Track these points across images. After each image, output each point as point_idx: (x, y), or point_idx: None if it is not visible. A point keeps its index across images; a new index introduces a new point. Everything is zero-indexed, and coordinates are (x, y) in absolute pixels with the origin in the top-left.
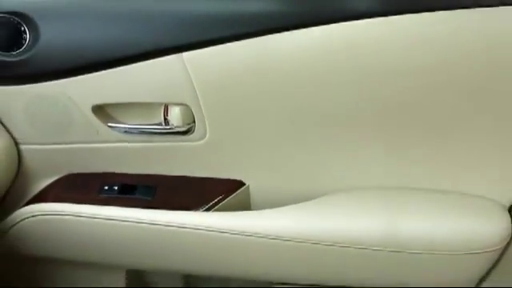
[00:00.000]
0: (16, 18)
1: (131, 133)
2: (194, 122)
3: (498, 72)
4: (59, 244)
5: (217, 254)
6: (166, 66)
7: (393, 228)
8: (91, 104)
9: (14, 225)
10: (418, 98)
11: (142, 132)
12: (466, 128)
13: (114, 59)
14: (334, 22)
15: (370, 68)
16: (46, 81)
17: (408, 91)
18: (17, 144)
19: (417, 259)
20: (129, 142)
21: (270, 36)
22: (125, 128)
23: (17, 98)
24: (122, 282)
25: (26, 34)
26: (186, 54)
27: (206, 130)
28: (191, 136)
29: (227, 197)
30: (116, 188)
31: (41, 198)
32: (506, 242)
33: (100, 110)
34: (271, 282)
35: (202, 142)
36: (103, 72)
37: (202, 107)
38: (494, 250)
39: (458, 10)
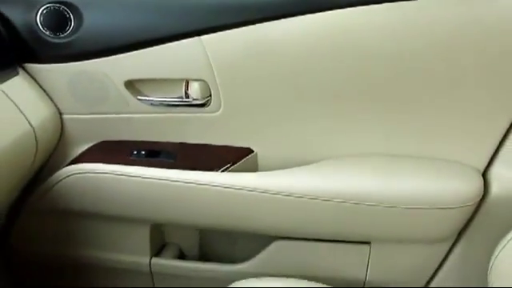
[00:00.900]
0: (63, 7)
1: (156, 105)
2: (211, 96)
3: (467, 50)
4: (95, 199)
5: (229, 208)
6: (188, 47)
7: (384, 186)
8: (124, 80)
9: (57, 183)
10: (400, 75)
11: (166, 104)
12: (445, 102)
13: (144, 41)
14: (324, 10)
15: (357, 50)
16: (86, 59)
17: (392, 70)
18: (60, 114)
19: (406, 213)
20: (154, 113)
21: (274, 22)
22: (151, 101)
23: (61, 75)
24: (146, 235)
25: (70, 20)
26: (204, 37)
27: (220, 104)
28: (207, 108)
29: (237, 162)
30: (143, 152)
31: (79, 160)
32: (478, 199)
33: (131, 85)
34: (275, 237)
35: (216, 113)
36: (134, 52)
37: (218, 83)
38: (468, 205)
39: None
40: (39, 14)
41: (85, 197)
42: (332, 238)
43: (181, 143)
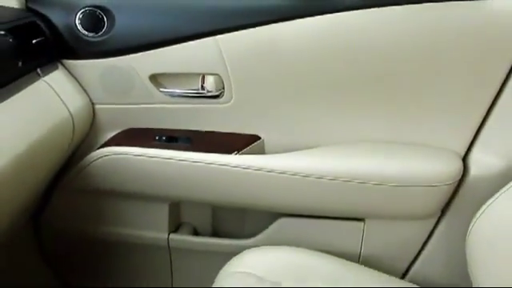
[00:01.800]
0: (99, 10)
1: (176, 96)
2: (224, 88)
3: (449, 48)
4: (121, 179)
5: (238, 187)
6: (204, 45)
7: (376, 167)
8: (148, 74)
9: (89, 164)
10: (390, 72)
11: (185, 96)
12: (430, 97)
13: (166, 40)
14: (325, 13)
15: (352, 49)
16: (116, 56)
17: (383, 67)
18: (92, 104)
19: (395, 191)
20: (174, 103)
21: (280, 24)
22: (172, 92)
23: (94, 69)
24: (165, 213)
25: (104, 21)
26: (219, 37)
27: (232, 95)
28: (220, 99)
29: (246, 147)
30: (164, 138)
31: (108, 144)
32: (457, 178)
33: (154, 79)
34: (280, 214)
35: (228, 104)
36: (158, 50)
37: (230, 77)
38: (449, 184)
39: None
40: (78, 16)
41: (113, 177)
42: (331, 215)
43: (196, 130)
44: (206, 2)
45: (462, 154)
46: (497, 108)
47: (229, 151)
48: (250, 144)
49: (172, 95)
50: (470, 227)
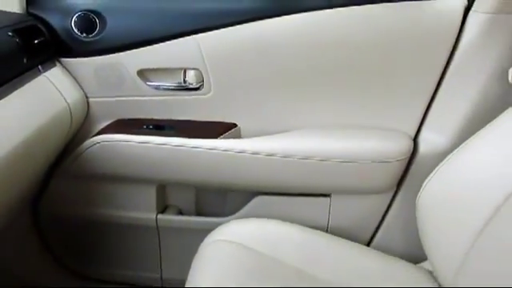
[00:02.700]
0: (92, 14)
1: (161, 89)
2: (203, 81)
3: (397, 41)
4: (113, 163)
5: (219, 168)
6: (186, 43)
7: (338, 146)
8: (136, 69)
9: (84, 151)
10: (349, 63)
11: (169, 89)
12: (383, 86)
13: (152, 39)
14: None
15: (317, 45)
16: (108, 54)
17: (343, 60)
18: (87, 97)
19: (355, 168)
20: (159, 95)
21: (253, 23)
22: (158, 86)
23: (88, 66)
24: (153, 195)
25: (97, 24)
26: (198, 36)
27: (210, 87)
28: (200, 91)
29: (224, 134)
30: (151, 127)
31: (101, 133)
32: (408, 155)
33: (142, 74)
34: (256, 193)
35: (208, 95)
36: (145, 48)
37: (209, 71)
38: (400, 160)
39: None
40: (73, 19)
41: (105, 162)
42: (301, 192)
43: (179, 120)
44: (186, 5)
45: (413, 134)
46: (439, 93)
47: (209, 137)
48: (228, 131)
49: (158, 88)
50: (417, 199)
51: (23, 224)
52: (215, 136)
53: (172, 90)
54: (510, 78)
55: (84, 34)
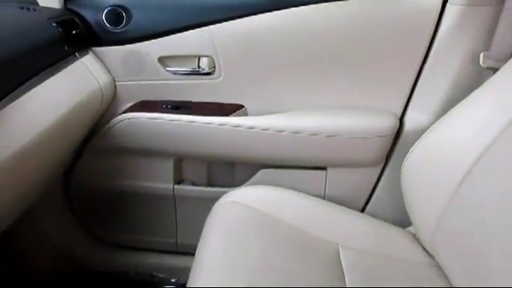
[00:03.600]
0: (120, 8)
1: (178, 74)
2: (215, 67)
3: (379, 31)
4: (137, 138)
5: (229, 143)
6: (200, 33)
7: (332, 123)
8: (157, 56)
9: (111, 128)
10: (340, 51)
11: (185, 73)
12: (372, 71)
13: (171, 30)
14: (292, 7)
15: (311, 35)
16: (133, 43)
17: (334, 47)
18: (114, 81)
19: (347, 143)
20: (176, 80)
21: (259, 15)
22: (175, 71)
23: (117, 54)
24: (171, 168)
25: (123, 17)
26: (212, 27)
27: (221, 73)
28: (212, 76)
29: (233, 113)
30: (169, 107)
31: (126, 112)
32: (393, 131)
33: (162, 60)
34: (261, 165)
35: (219, 80)
36: (164, 38)
37: (220, 58)
38: (387, 135)
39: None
40: (104, 13)
41: (130, 137)
42: (300, 165)
43: (194, 101)
44: (201, 0)
45: (399, 113)
46: (422, 77)
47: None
48: (236, 111)
49: (175, 73)
50: (402, 168)
51: (56, 194)
52: (225, 115)
53: (187, 74)
54: (481, 62)
55: (113, 26)
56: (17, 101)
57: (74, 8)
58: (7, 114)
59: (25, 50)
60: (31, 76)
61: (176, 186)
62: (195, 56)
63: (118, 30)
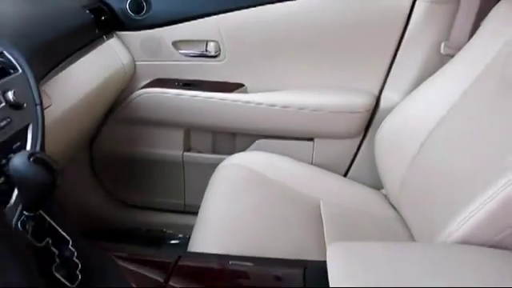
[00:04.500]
0: None
1: (189, 56)
2: (220, 51)
3: (359, 23)
4: (154, 111)
5: (231, 115)
6: (209, 21)
7: (319, 99)
8: (172, 40)
9: (131, 101)
10: (326, 38)
11: (194, 56)
12: (353, 54)
13: (183, 18)
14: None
15: (304, 24)
16: (151, 29)
17: (323, 35)
18: (134, 61)
19: (330, 116)
20: (187, 61)
21: (259, 7)
22: (186, 53)
23: (137, 38)
24: (181, 137)
25: (144, 6)
26: (218, 16)
27: (225, 56)
28: (218, 59)
29: (234, 91)
30: (181, 84)
31: (144, 88)
32: (370, 108)
33: (175, 44)
34: (258, 136)
35: (223, 62)
36: (178, 24)
37: (225, 43)
38: (365, 111)
39: None
40: (128, 2)
41: (147, 110)
42: (292, 136)
43: (202, 80)
44: None
45: (376, 93)
46: (395, 63)
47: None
48: (238, 89)
49: (187, 55)
50: (375, 136)
51: (82, 160)
52: (228, 92)
53: (197, 56)
54: (441, 50)
55: (135, 14)
56: (59, 74)
57: None
58: (54, 84)
59: (65, 32)
60: (71, 54)
61: (185, 153)
62: (204, 41)
63: (139, 17)
